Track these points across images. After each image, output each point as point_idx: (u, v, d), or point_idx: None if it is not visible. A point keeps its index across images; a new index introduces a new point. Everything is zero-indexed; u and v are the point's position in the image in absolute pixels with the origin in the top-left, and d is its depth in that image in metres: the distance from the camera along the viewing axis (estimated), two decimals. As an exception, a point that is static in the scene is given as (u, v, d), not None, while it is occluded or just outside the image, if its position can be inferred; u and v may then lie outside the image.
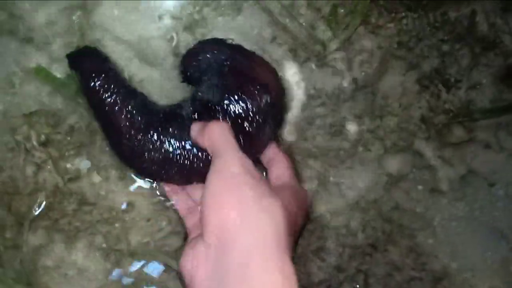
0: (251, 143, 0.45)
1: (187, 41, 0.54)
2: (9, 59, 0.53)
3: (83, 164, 0.50)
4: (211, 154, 0.42)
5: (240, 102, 0.44)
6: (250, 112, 0.45)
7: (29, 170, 0.49)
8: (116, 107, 0.46)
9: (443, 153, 0.54)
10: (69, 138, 0.50)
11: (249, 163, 0.40)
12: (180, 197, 0.48)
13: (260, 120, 0.45)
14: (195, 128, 0.45)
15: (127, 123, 0.46)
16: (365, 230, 0.52)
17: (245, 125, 0.45)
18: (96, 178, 0.51)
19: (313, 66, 0.54)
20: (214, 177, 0.39)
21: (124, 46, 0.54)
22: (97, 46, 0.51)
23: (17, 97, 0.52)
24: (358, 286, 0.50)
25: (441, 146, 0.53)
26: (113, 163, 0.51)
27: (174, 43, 0.54)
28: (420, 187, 0.53)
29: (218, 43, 0.50)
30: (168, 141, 0.46)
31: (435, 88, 0.54)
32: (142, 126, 0.46)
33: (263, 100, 0.45)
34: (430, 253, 0.51)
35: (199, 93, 0.46)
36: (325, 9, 0.55)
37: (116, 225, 0.50)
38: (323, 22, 0.55)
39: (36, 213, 0.49)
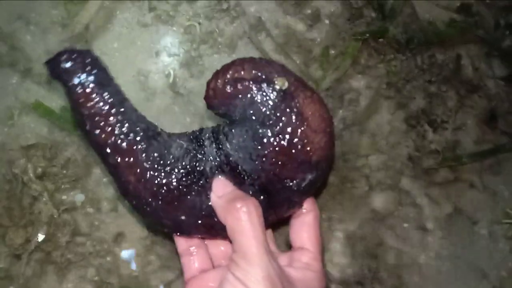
0: (276, 207, 0.40)
1: (183, 77, 0.56)
2: (9, 91, 0.54)
3: (78, 197, 0.52)
4: (231, 239, 0.36)
5: (278, 183, 0.38)
6: (289, 188, 0.39)
7: (25, 202, 0.50)
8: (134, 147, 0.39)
9: (429, 191, 0.55)
10: (65, 172, 0.52)
11: (276, 275, 0.34)
12: (198, 255, 0.43)
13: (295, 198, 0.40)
14: (216, 191, 0.39)
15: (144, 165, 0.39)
16: (352, 266, 0.53)
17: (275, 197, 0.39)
18: (90, 210, 0.52)
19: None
20: None
21: (122, 79, 0.55)
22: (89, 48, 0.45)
23: (15, 129, 0.53)
24: (344, 324, 0.51)
25: (427, 185, 0.55)
26: (107, 196, 0.52)
27: (171, 79, 0.56)
28: (405, 224, 0.55)
29: (271, 61, 0.39)
30: (192, 189, 0.39)
31: (421, 128, 0.56)
32: (162, 173, 0.39)
33: (308, 180, 0.39)
34: (415, 291, 0.53)
35: (228, 145, 0.39)
36: (316, 50, 0.57)
37: (108, 258, 0.51)
38: (315, 61, 0.57)
39: (33, 246, 0.50)
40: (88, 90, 0.38)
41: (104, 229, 0.52)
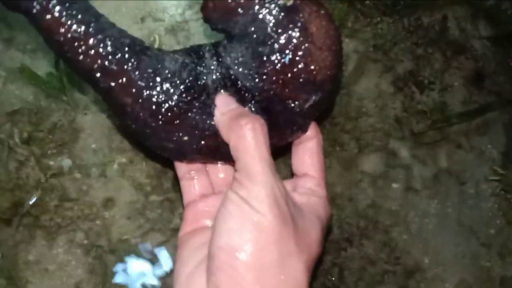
0: (279, 129, 0.38)
1: (169, 43, 0.55)
2: (-7, 59, 0.54)
3: (65, 162, 0.51)
4: (234, 158, 0.34)
5: (279, 104, 0.37)
6: (291, 109, 0.37)
7: (12, 166, 0.50)
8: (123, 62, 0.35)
9: (417, 152, 0.55)
10: (51, 137, 0.51)
11: (281, 196, 0.33)
12: (199, 180, 0.42)
13: (299, 117, 0.38)
14: (220, 108, 0.37)
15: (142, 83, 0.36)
16: (341, 226, 0.53)
17: (278, 117, 0.37)
18: (77, 175, 0.52)
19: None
20: (231, 210, 0.33)
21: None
22: None
23: (0, 97, 0.52)
24: (333, 279, 0.52)
25: (415, 145, 0.55)
26: (95, 161, 0.52)
27: (156, 45, 0.55)
28: (394, 185, 0.55)
29: None
30: (194, 106, 0.37)
31: (409, 90, 0.57)
32: (163, 87, 0.36)
33: (311, 101, 0.37)
34: (404, 248, 0.53)
35: (228, 58, 0.37)
36: (303, 13, 0.56)
37: (97, 222, 0.51)
38: (302, 26, 0.57)
39: (25, 210, 0.49)
40: (55, 13, 0.34)
41: (92, 194, 0.51)
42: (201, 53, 0.38)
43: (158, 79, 0.36)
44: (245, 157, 0.33)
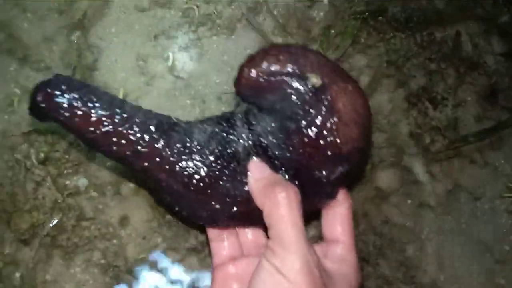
0: (308, 197, 0.38)
1: (183, 60, 0.56)
2: (8, 79, 0.54)
3: (81, 182, 0.51)
4: (267, 226, 0.35)
5: (307, 174, 0.37)
6: (319, 179, 0.37)
7: (29, 187, 0.50)
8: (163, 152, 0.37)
9: (431, 168, 0.55)
10: (67, 156, 0.51)
11: (315, 265, 0.33)
12: (229, 242, 0.42)
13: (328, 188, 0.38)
14: (254, 174, 0.37)
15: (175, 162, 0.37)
16: (356, 243, 0.53)
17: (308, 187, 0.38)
18: (94, 194, 0.52)
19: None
20: (265, 279, 0.33)
21: (121, 64, 0.55)
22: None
23: (15, 116, 0.53)
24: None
25: (428, 162, 0.55)
26: (111, 180, 0.52)
27: (170, 63, 0.55)
28: (409, 201, 0.55)
29: (306, 50, 0.37)
30: (224, 174, 0.38)
31: (422, 105, 0.57)
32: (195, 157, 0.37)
33: (338, 172, 0.37)
34: (419, 266, 0.53)
35: (259, 127, 0.38)
36: (315, 30, 0.57)
37: (114, 241, 0.51)
38: (314, 41, 0.57)
39: (45, 232, 0.50)
40: (80, 113, 0.36)
41: (108, 213, 0.52)
42: (232, 121, 0.39)
43: (188, 152, 0.37)
44: (279, 225, 0.33)
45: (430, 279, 0.53)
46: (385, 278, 0.52)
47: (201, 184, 0.37)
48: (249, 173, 0.37)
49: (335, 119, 0.35)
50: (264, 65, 0.36)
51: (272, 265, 0.33)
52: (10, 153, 0.51)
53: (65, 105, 0.36)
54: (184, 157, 0.37)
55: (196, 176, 0.37)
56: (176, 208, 0.40)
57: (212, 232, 0.43)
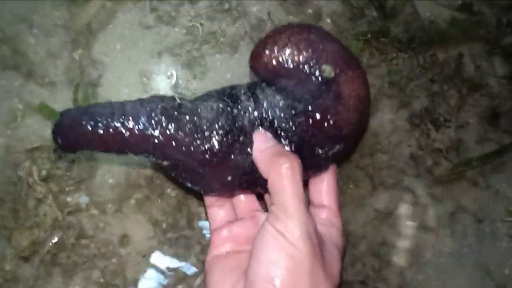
0: (304, 169, 0.39)
1: (186, 78, 0.56)
2: (12, 94, 0.54)
3: (82, 199, 0.52)
4: (271, 193, 0.37)
5: (307, 149, 0.39)
6: (318, 154, 0.40)
7: (30, 204, 0.51)
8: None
9: (432, 190, 0.55)
10: (69, 174, 0.52)
11: (313, 230, 0.36)
12: (224, 208, 0.45)
13: (323, 157, 0.41)
14: (258, 145, 0.39)
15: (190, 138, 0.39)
16: (355, 265, 0.53)
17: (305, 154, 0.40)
18: (95, 212, 0.52)
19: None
20: (268, 241, 0.35)
21: (125, 81, 0.56)
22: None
23: (19, 132, 0.53)
24: (348, 322, 0.52)
25: (430, 183, 0.55)
26: (112, 197, 0.52)
27: (174, 80, 0.56)
28: (409, 223, 0.55)
29: (324, 38, 0.38)
30: (235, 148, 0.39)
31: (425, 127, 0.57)
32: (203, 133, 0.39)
33: (335, 149, 0.40)
34: (419, 289, 0.53)
35: (265, 101, 0.40)
36: (319, 50, 0.57)
37: (113, 260, 0.51)
38: (317, 61, 0.57)
39: (46, 250, 0.50)
40: (94, 137, 0.38)
41: (109, 231, 0.52)
42: (235, 96, 0.41)
43: (200, 130, 0.39)
44: (282, 194, 0.36)
45: (430, 303, 0.53)
46: (384, 302, 0.52)
47: (215, 159, 0.39)
48: (254, 143, 0.39)
49: (340, 105, 0.38)
50: (284, 52, 0.37)
51: (275, 229, 0.35)
52: (12, 169, 0.51)
53: (79, 137, 0.39)
54: (197, 135, 0.39)
55: (210, 152, 0.39)
56: (191, 184, 0.42)
57: (208, 199, 0.45)
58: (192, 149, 0.39)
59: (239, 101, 0.40)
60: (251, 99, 0.40)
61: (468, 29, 0.58)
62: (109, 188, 0.53)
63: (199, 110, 0.39)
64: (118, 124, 0.38)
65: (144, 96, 0.54)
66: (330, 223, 0.42)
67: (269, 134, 0.40)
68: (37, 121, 0.54)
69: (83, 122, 0.38)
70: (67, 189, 0.52)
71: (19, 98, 0.54)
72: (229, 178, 0.40)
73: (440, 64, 0.58)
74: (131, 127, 0.38)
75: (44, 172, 0.50)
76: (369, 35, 0.56)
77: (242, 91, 0.41)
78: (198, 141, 0.39)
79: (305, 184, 0.44)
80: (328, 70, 0.37)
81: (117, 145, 0.39)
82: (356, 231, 0.54)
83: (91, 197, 0.52)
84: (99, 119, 0.38)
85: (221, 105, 0.40)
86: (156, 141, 0.38)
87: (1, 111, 0.54)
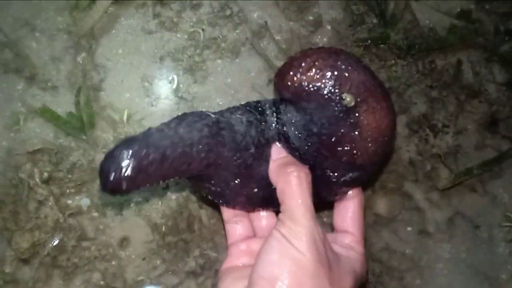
0: (317, 189, 0.39)
1: (187, 83, 0.56)
2: (15, 97, 0.55)
3: (83, 201, 0.52)
4: (279, 201, 0.37)
5: (319, 169, 0.39)
6: (328, 177, 0.40)
7: (31, 206, 0.51)
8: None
9: (431, 196, 0.56)
10: (70, 176, 0.52)
11: (320, 239, 0.35)
12: (242, 224, 0.45)
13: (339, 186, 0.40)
14: (272, 156, 0.40)
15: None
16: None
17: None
18: (95, 214, 0.52)
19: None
20: (273, 244, 0.36)
21: (127, 85, 0.56)
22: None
23: (21, 135, 0.54)
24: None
25: (429, 189, 0.56)
26: (112, 200, 0.53)
27: (175, 85, 0.56)
28: (409, 228, 0.55)
29: (351, 66, 0.37)
30: (261, 159, 0.40)
31: (423, 132, 0.57)
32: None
33: (348, 177, 0.40)
34: (417, 294, 0.53)
35: (285, 117, 0.40)
36: (319, 56, 0.57)
37: (113, 262, 0.51)
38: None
39: (46, 252, 0.50)
40: (151, 169, 0.35)
41: (109, 233, 0.52)
42: (261, 109, 0.41)
43: (237, 144, 0.39)
44: (289, 201, 0.36)
45: (428, 307, 0.53)
46: (383, 307, 0.52)
47: (246, 171, 0.39)
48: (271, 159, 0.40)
49: (356, 133, 0.37)
50: (307, 76, 0.37)
51: (280, 233, 0.35)
52: (14, 172, 0.51)
53: (146, 176, 0.35)
54: (235, 149, 0.38)
55: (245, 164, 0.39)
56: (218, 198, 0.42)
57: (226, 214, 0.45)
58: (230, 162, 0.38)
59: (265, 114, 0.41)
60: (275, 114, 0.41)
61: (466, 36, 0.59)
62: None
63: (232, 123, 0.39)
64: (181, 150, 0.36)
65: (146, 99, 0.55)
66: (350, 247, 0.41)
67: (283, 149, 0.41)
68: (39, 124, 0.54)
69: (150, 158, 0.35)
70: (68, 191, 0.52)
71: (22, 102, 0.55)
72: (256, 189, 0.40)
73: (438, 71, 0.58)
74: (183, 152, 0.36)
75: (45, 175, 0.51)
76: (369, 42, 0.57)
77: (267, 105, 0.41)
78: (237, 154, 0.38)
79: (329, 206, 0.45)
80: (348, 99, 0.37)
81: (173, 173, 0.37)
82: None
83: (92, 200, 0.52)
84: (166, 152, 0.36)
85: (250, 117, 0.40)
86: (207, 160, 0.37)
87: (3, 115, 0.54)
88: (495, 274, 0.54)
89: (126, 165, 0.34)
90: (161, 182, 0.37)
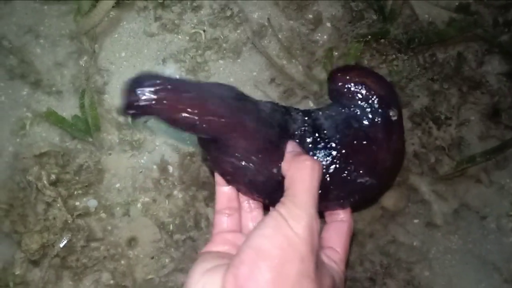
0: (325, 191, 0.41)
1: (190, 83, 0.57)
2: (20, 103, 0.55)
3: (91, 203, 0.52)
4: (285, 188, 0.37)
5: (339, 164, 0.41)
6: (345, 177, 0.42)
7: (40, 208, 0.51)
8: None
9: (436, 188, 0.56)
10: (77, 178, 0.52)
11: (316, 229, 0.35)
12: (232, 218, 0.44)
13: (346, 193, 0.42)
14: (288, 149, 0.41)
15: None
16: (363, 263, 0.53)
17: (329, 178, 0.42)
18: (103, 215, 0.53)
19: (311, 104, 0.57)
20: (268, 222, 0.35)
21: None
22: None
23: (27, 139, 0.54)
24: (357, 319, 0.52)
25: (434, 181, 0.56)
26: (119, 201, 0.53)
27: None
28: (416, 221, 0.55)
29: (387, 88, 0.44)
30: (282, 143, 0.41)
31: (426, 125, 0.57)
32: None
33: (363, 179, 0.42)
34: (426, 285, 0.53)
35: (323, 113, 0.43)
36: (318, 52, 0.58)
37: (122, 262, 0.52)
38: (318, 64, 0.58)
39: (55, 252, 0.50)
40: (190, 101, 0.36)
41: (117, 233, 0.52)
42: (286, 108, 0.43)
43: (261, 119, 0.40)
44: (297, 187, 0.36)
45: (438, 299, 0.53)
46: (392, 298, 0.52)
47: (269, 148, 0.40)
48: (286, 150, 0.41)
49: (385, 144, 0.42)
50: (354, 81, 0.43)
51: (279, 212, 0.35)
52: (21, 175, 0.52)
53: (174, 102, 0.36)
54: (259, 123, 0.39)
55: (269, 140, 0.40)
56: (238, 174, 0.41)
57: (220, 205, 0.45)
58: (255, 134, 0.39)
59: (290, 111, 0.43)
60: (300, 113, 0.43)
61: (466, 28, 0.59)
62: (117, 191, 0.53)
63: (259, 103, 0.41)
64: (209, 95, 0.37)
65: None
66: (334, 262, 0.41)
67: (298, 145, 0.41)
68: (45, 129, 0.55)
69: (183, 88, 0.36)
70: (75, 193, 0.52)
71: (27, 107, 0.55)
72: (275, 170, 0.40)
73: (439, 64, 0.59)
74: (219, 101, 0.37)
75: (53, 177, 0.51)
76: (369, 37, 0.57)
77: (293, 109, 0.44)
78: (261, 128, 0.39)
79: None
80: (395, 112, 0.42)
81: (194, 120, 0.36)
82: (364, 229, 0.54)
83: (99, 201, 0.53)
84: (196, 90, 0.37)
85: (275, 107, 0.42)
86: (226, 121, 0.37)
87: (9, 120, 0.55)
88: (505, 265, 0.54)
89: (156, 84, 0.35)
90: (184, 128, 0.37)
